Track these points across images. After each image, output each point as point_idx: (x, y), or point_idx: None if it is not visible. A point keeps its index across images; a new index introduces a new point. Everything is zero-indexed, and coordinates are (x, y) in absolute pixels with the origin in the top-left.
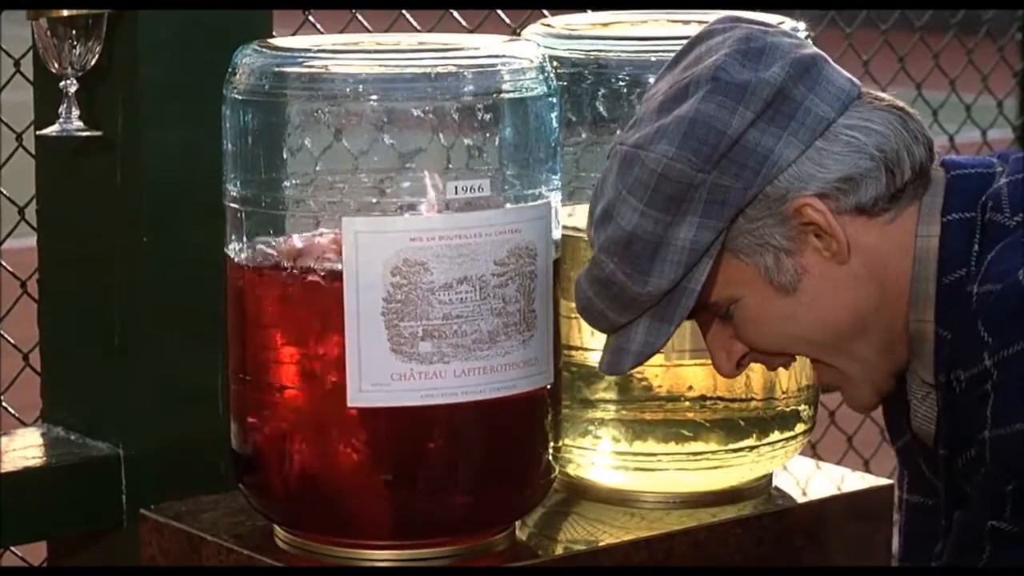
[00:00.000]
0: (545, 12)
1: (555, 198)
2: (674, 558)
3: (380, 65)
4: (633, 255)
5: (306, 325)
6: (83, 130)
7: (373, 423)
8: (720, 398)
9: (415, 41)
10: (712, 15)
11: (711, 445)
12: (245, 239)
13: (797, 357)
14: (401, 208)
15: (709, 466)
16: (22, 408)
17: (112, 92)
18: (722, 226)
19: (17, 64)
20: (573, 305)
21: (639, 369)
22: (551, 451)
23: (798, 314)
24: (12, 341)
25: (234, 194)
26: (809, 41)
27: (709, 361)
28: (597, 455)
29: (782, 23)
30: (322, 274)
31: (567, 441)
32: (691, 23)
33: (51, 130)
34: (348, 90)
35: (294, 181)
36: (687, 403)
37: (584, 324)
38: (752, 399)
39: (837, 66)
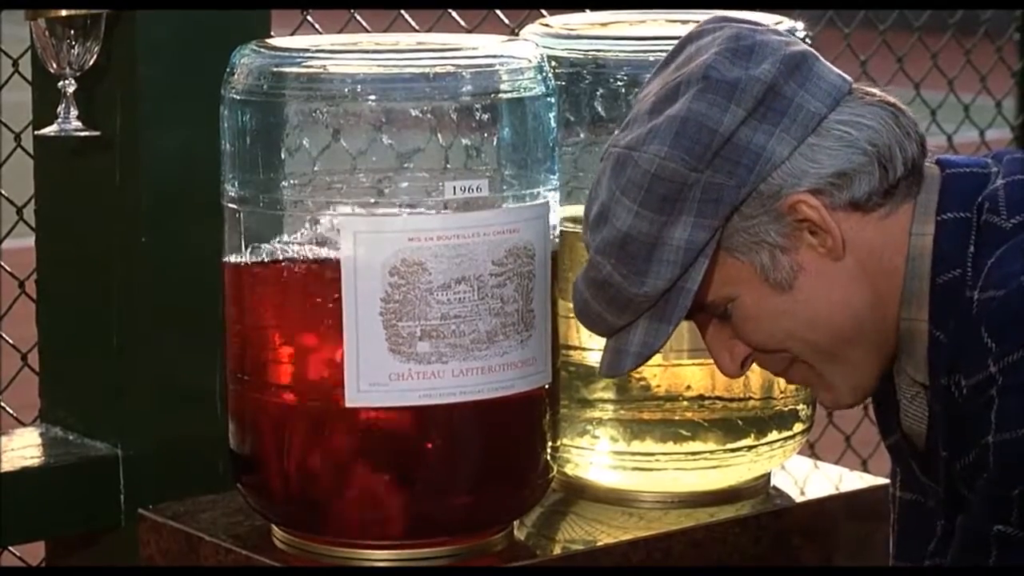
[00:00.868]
0: (543, 12)
1: (553, 198)
2: (672, 558)
3: (378, 65)
4: (629, 256)
5: (304, 325)
6: (81, 130)
7: (371, 423)
8: (718, 398)
9: (413, 41)
10: (710, 15)
11: (709, 445)
12: (243, 239)
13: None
14: (399, 208)
15: (707, 466)
16: (21, 408)
17: (111, 92)
18: (717, 225)
19: (16, 64)
20: (571, 305)
21: (637, 369)
22: (549, 451)
23: (794, 311)
24: (11, 341)
25: (232, 194)
26: (798, 39)
27: (707, 361)
28: (595, 455)
29: (780, 23)
30: (320, 274)
31: (565, 441)
32: (689, 23)
33: (49, 130)
34: (346, 90)
35: (292, 181)
36: (685, 403)
37: None
38: (750, 399)
39: (827, 62)
